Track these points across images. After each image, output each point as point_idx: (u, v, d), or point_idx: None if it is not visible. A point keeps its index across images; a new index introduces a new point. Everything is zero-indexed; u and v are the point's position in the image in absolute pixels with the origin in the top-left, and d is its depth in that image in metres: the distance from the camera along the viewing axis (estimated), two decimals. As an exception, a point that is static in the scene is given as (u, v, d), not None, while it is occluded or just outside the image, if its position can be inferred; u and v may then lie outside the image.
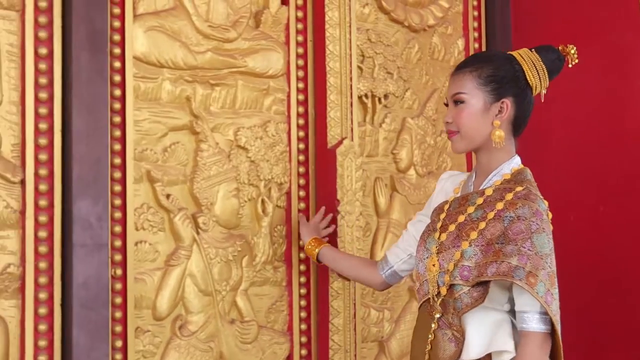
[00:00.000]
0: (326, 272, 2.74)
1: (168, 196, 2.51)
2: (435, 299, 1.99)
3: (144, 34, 2.49)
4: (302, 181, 2.83)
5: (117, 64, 2.41)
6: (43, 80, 2.27)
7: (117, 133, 2.41)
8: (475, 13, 3.43)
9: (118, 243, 2.38)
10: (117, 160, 2.40)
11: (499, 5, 3.44)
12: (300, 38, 2.86)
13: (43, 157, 2.26)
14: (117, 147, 2.40)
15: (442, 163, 3.29)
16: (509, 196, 1.95)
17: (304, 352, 2.80)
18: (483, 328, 1.95)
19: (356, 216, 2.82)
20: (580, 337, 3.13)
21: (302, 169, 2.84)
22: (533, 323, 1.90)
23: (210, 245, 2.59)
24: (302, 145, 2.84)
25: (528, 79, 2.03)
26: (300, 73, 2.85)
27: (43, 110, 2.27)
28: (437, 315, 1.99)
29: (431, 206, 2.18)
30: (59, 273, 2.27)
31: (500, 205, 1.94)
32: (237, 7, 2.73)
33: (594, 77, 3.22)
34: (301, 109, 2.85)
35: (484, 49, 3.44)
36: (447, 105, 2.08)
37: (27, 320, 2.22)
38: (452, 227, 2.00)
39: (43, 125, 2.27)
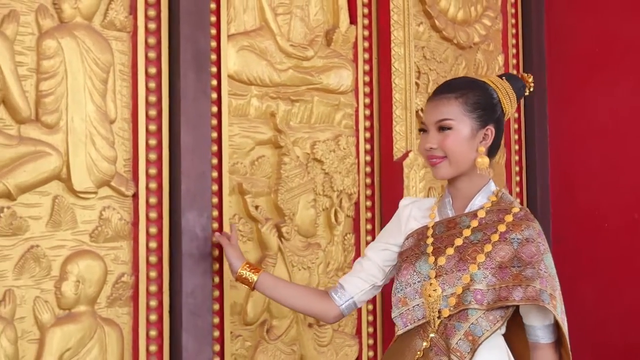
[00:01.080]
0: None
1: (257, 207, 2.65)
2: (434, 322, 1.95)
3: (236, 53, 2.62)
4: (368, 192, 2.99)
5: (214, 82, 2.54)
6: (152, 98, 2.39)
7: (214, 148, 2.53)
8: (514, 31, 3.62)
9: (216, 252, 2.50)
10: (215, 174, 2.52)
11: (534, 24, 3.64)
12: (366, 56, 3.02)
13: (153, 171, 2.38)
14: (214, 161, 2.53)
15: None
16: (509, 218, 1.96)
17: (371, 353, 2.96)
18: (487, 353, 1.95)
19: (420, 225, 2.98)
20: (622, 339, 3.36)
21: (368, 180, 3.00)
22: (546, 335, 1.94)
23: (293, 253, 2.73)
24: (368, 158, 3.00)
25: (503, 106, 2.04)
26: (367, 89, 3.01)
27: (152, 127, 2.38)
28: (431, 335, 1.96)
29: (402, 233, 2.11)
30: (167, 282, 2.39)
31: (502, 227, 1.95)
32: (313, 26, 2.88)
33: (625, 92, 3.44)
34: (367, 123, 3.01)
35: (521, 64, 3.63)
36: (424, 130, 2.02)
37: (140, 326, 2.34)
38: (450, 251, 1.97)
39: (152, 141, 2.38)
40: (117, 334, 2.32)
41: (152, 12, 2.39)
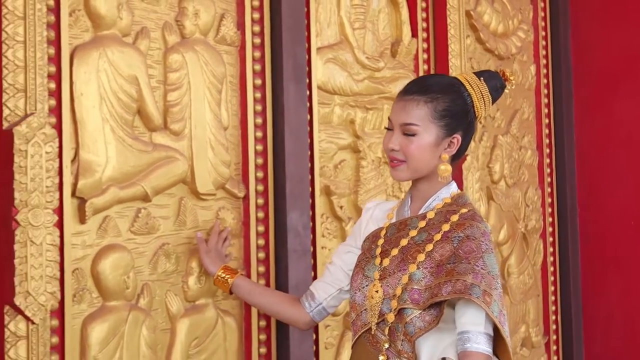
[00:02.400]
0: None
1: (341, 207, 2.87)
2: (381, 328, 1.90)
3: (323, 65, 2.84)
4: (429, 192, 3.23)
5: (307, 92, 2.75)
6: (258, 107, 2.60)
7: (308, 153, 2.75)
8: (544, 43, 3.91)
9: (311, 249, 2.72)
10: (309, 177, 2.74)
11: (562, 36, 3.93)
12: (425, 67, 3.26)
13: (260, 174, 2.59)
14: (308, 165, 2.75)
15: (521, 175, 3.75)
16: (455, 217, 1.92)
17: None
18: (438, 352, 1.88)
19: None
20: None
21: (428, 182, 3.24)
22: (477, 343, 1.80)
23: (371, 249, 2.96)
24: (428, 161, 3.24)
25: (476, 110, 1.98)
26: (426, 97, 3.25)
27: (259, 134, 2.59)
28: (386, 346, 1.89)
29: (361, 235, 2.09)
30: (274, 276, 2.60)
31: (446, 227, 1.91)
32: (382, 39, 3.11)
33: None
34: (427, 129, 3.25)
35: (550, 74, 3.92)
36: (389, 129, 1.99)
37: (251, 317, 2.54)
38: (394, 252, 1.93)
39: (259, 147, 2.59)
40: (234, 324, 2.52)
41: (256, 28, 2.60)
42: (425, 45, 3.27)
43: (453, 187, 2.01)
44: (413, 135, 1.93)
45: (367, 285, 1.93)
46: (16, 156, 1.92)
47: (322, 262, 2.77)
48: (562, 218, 3.89)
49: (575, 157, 3.94)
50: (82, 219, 2.17)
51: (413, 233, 1.94)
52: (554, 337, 3.83)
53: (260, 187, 2.59)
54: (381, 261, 1.93)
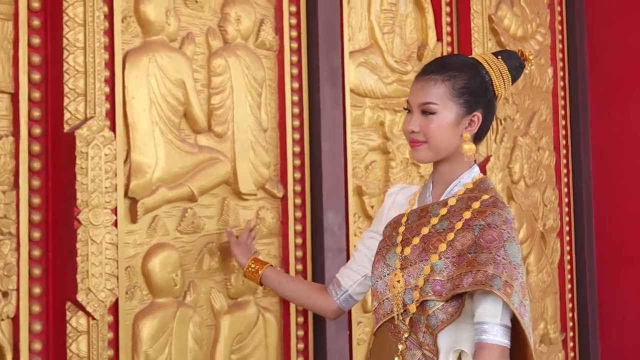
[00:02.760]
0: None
1: (372, 207, 2.95)
2: (402, 318, 1.87)
3: (355, 68, 2.92)
4: (453, 192, 3.32)
5: (341, 95, 2.83)
6: (296, 110, 2.67)
7: (342, 154, 2.83)
8: (560, 46, 3.99)
9: (345, 247, 2.80)
10: (343, 178, 2.82)
11: (578, 40, 4.03)
12: (449, 70, 3.34)
13: (297, 175, 2.67)
14: (343, 166, 2.83)
15: (539, 175, 3.84)
16: (476, 205, 1.87)
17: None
18: (456, 344, 1.85)
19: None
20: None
21: (452, 182, 3.32)
22: (493, 335, 1.78)
23: (400, 248, 3.05)
24: (452, 162, 3.33)
25: (495, 89, 1.94)
26: (450, 100, 3.34)
27: (296, 136, 2.67)
28: (405, 335, 1.87)
29: (383, 221, 2.06)
30: (311, 274, 2.68)
31: (467, 215, 1.86)
32: (408, 43, 3.20)
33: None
34: (451, 131, 3.33)
35: (567, 76, 4.01)
36: (408, 110, 1.96)
37: (290, 314, 2.62)
38: (416, 240, 1.89)
39: (297, 149, 2.67)
40: (274, 320, 2.59)
41: (294, 33, 2.68)
42: (449, 49, 3.36)
43: (475, 171, 1.97)
44: (432, 114, 1.89)
45: (388, 274, 1.90)
46: (78, 158, 1.99)
47: (355, 260, 2.84)
48: (579, 217, 3.98)
49: (591, 158, 4.03)
50: (133, 219, 2.24)
51: (434, 221, 1.90)
52: (571, 333, 3.92)
53: (298, 188, 2.67)
54: (402, 250, 1.90)
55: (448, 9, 3.35)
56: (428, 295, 1.82)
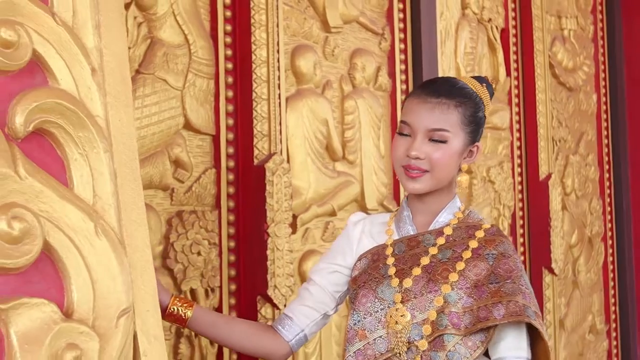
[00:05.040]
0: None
1: (460, 218, 3.56)
2: (406, 357, 1.69)
3: (446, 103, 3.52)
4: (519, 205, 3.93)
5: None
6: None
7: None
8: (603, 75, 4.61)
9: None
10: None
11: (618, 68, 4.64)
12: (516, 100, 3.95)
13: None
14: (438, 184, 3.43)
15: (587, 188, 4.45)
16: (480, 233, 1.76)
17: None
18: None
19: (559, 230, 3.94)
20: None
21: (519, 196, 3.93)
22: None
23: (481, 252, 3.65)
24: (519, 179, 3.94)
25: (484, 118, 1.83)
26: (517, 126, 3.95)
27: (405, 161, 3.27)
28: None
29: (353, 253, 1.86)
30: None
31: (474, 244, 1.73)
32: (484, 79, 3.80)
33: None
34: (518, 152, 3.94)
35: (609, 101, 4.62)
36: (404, 134, 1.76)
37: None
38: (417, 271, 1.73)
39: (406, 171, 3.27)
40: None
41: (403, 77, 3.28)
42: (516, 82, 3.96)
43: (458, 201, 1.84)
44: (443, 142, 1.72)
45: (382, 309, 1.71)
46: (267, 185, 2.59)
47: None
48: (619, 224, 4.59)
49: (629, 172, 4.64)
50: (293, 230, 2.84)
51: (433, 250, 1.74)
52: (614, 324, 4.53)
53: (407, 203, 3.26)
54: (400, 282, 1.72)
55: (514, 48, 3.95)
56: (447, 329, 1.66)
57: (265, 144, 2.64)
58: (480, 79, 1.85)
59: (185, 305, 1.81)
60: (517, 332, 1.70)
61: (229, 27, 2.60)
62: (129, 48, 2.29)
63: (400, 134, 1.77)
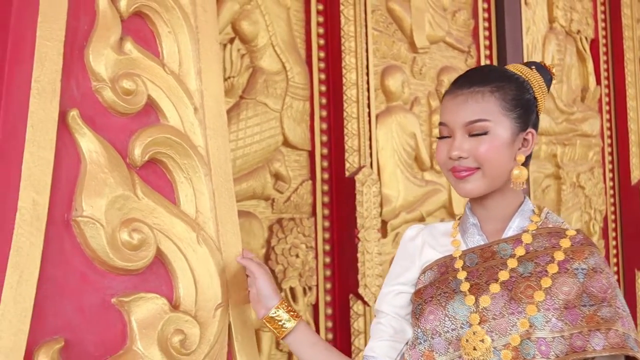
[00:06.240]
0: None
1: (548, 222, 3.74)
2: None
3: (533, 113, 3.72)
4: (611, 209, 4.06)
5: (523, 135, 3.64)
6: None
7: (525, 181, 3.63)
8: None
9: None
10: (526, 200, 3.62)
11: None
12: (607, 107, 4.09)
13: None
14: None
15: None
16: (565, 243, 1.53)
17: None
18: None
19: None
20: None
21: (611, 200, 4.06)
22: None
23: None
24: (610, 184, 4.07)
25: (538, 104, 1.60)
26: (608, 132, 4.08)
27: (492, 169, 3.50)
28: None
29: (416, 267, 1.66)
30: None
31: (560, 255, 1.52)
32: (573, 88, 3.97)
33: None
34: (609, 158, 4.07)
35: None
36: (444, 137, 1.59)
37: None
38: (495, 288, 1.51)
39: (493, 179, 3.49)
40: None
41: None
42: (607, 91, 4.10)
43: (530, 203, 1.63)
44: (484, 134, 1.52)
45: (453, 330, 1.52)
46: (357, 195, 2.89)
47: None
48: None
49: None
50: (384, 235, 3.12)
51: (513, 263, 1.53)
52: None
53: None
54: (476, 300, 1.52)
55: (605, 57, 4.09)
56: (535, 358, 1.47)
57: (356, 157, 2.94)
58: (530, 63, 1.64)
59: (292, 313, 1.71)
60: None
61: (322, 54, 2.92)
62: (234, 77, 2.64)
63: (440, 137, 1.59)
